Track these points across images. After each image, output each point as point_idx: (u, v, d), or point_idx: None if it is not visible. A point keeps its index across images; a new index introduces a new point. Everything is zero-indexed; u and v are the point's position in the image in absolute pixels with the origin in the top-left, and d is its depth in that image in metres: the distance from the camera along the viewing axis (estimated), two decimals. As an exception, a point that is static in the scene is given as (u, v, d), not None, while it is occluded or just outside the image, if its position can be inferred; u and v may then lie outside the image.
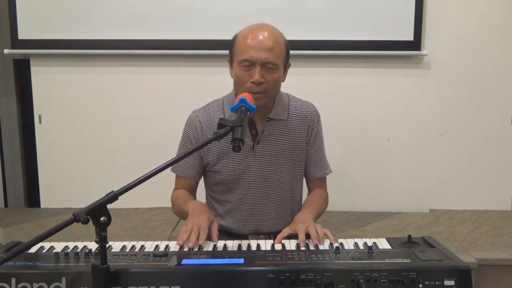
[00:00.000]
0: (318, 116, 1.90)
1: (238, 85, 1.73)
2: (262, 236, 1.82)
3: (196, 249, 1.49)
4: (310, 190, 1.96)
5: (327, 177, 1.97)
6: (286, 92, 1.89)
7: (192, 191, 1.93)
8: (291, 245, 1.52)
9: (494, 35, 3.11)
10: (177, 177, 1.92)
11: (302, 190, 1.96)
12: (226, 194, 1.87)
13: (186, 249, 1.49)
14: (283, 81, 1.78)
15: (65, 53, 3.15)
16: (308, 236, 1.54)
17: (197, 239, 1.52)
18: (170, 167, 1.84)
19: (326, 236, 1.55)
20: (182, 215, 1.82)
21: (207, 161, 1.84)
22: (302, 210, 1.84)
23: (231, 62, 1.77)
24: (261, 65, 1.66)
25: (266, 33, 1.69)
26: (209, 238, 1.58)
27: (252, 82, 1.67)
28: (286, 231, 1.64)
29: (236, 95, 1.79)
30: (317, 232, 1.54)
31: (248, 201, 1.85)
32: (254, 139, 1.80)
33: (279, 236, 1.61)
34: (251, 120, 1.79)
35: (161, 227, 2.94)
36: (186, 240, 1.53)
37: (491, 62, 3.14)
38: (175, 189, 1.93)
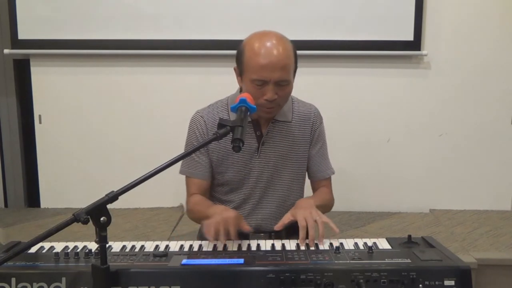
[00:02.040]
0: (321, 118, 1.92)
1: None
2: (262, 234, 1.82)
3: (196, 249, 1.49)
4: (314, 191, 1.96)
5: None
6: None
7: (207, 194, 1.91)
8: (291, 245, 1.52)
9: (494, 35, 3.12)
10: (191, 181, 1.87)
11: (303, 191, 1.97)
12: (230, 194, 1.87)
13: (186, 249, 1.48)
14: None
15: (65, 53, 3.15)
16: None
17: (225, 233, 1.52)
18: (181, 171, 1.86)
19: (327, 224, 1.54)
20: (203, 221, 1.81)
21: (212, 162, 1.84)
22: (305, 197, 1.84)
23: (239, 73, 1.75)
24: (274, 83, 1.66)
25: (277, 50, 1.65)
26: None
27: (266, 100, 1.67)
28: (287, 217, 1.65)
29: None
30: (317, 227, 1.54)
31: (251, 201, 1.86)
32: (259, 141, 1.81)
33: (280, 223, 1.63)
34: (256, 122, 1.80)
35: (161, 227, 2.94)
36: (214, 233, 1.50)
37: (491, 62, 3.14)
38: (191, 194, 1.88)
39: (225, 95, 1.90)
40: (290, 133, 1.84)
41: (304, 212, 1.59)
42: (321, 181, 1.95)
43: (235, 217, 1.60)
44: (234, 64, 1.79)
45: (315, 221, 1.56)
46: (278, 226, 1.61)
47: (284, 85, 1.68)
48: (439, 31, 3.11)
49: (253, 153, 1.81)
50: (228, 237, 1.52)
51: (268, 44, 1.66)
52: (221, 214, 1.61)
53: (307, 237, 1.53)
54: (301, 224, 1.55)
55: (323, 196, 1.90)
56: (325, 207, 1.88)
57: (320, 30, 3.07)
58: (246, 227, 1.63)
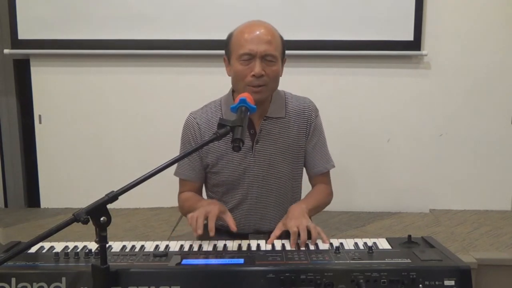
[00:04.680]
0: (316, 110, 1.88)
1: (238, 81, 1.72)
2: (262, 235, 1.81)
3: (196, 249, 1.48)
4: (312, 187, 1.93)
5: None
6: (283, 90, 1.88)
7: (199, 193, 1.93)
8: (290, 247, 1.51)
9: (494, 35, 3.12)
10: (181, 181, 1.90)
11: (301, 187, 1.95)
12: (226, 195, 1.86)
13: (186, 249, 1.49)
14: (280, 75, 1.78)
15: (65, 53, 3.15)
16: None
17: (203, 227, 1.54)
18: (175, 172, 1.86)
19: (319, 235, 1.54)
20: None
21: (206, 163, 1.83)
22: (298, 202, 1.82)
23: (228, 60, 1.77)
24: (260, 58, 1.68)
25: (262, 27, 1.72)
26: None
27: (253, 76, 1.67)
28: (279, 228, 1.63)
29: (235, 92, 1.79)
30: (309, 233, 1.53)
31: (248, 201, 1.85)
32: (253, 139, 1.80)
33: (272, 235, 1.60)
34: (249, 120, 1.78)
35: (161, 227, 2.94)
36: (196, 226, 1.54)
37: (491, 62, 3.14)
38: (181, 192, 1.91)
39: (222, 94, 1.90)
40: (284, 129, 1.82)
41: (295, 221, 1.58)
42: (318, 177, 1.90)
43: (217, 211, 1.62)
44: None
45: (307, 226, 1.55)
46: (270, 241, 1.57)
47: (270, 61, 1.69)
48: (439, 31, 3.11)
49: (247, 152, 1.79)
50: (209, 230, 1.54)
51: (254, 24, 1.74)
52: (205, 206, 1.63)
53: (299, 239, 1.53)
54: (292, 230, 1.54)
55: (317, 196, 1.86)
56: (320, 207, 1.85)
57: (320, 30, 3.07)
58: (232, 224, 1.62)
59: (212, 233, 1.53)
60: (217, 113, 1.83)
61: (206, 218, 1.59)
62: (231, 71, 1.75)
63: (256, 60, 1.67)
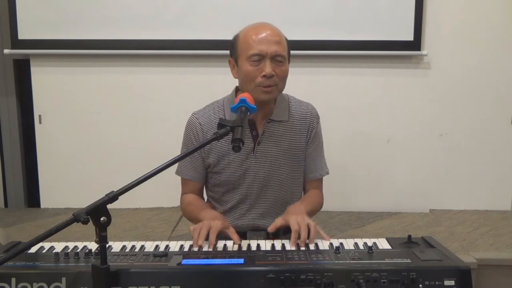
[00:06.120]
0: (318, 117, 1.91)
1: (247, 82, 1.72)
2: (262, 232, 1.82)
3: (196, 249, 1.49)
4: (305, 191, 1.96)
5: (326, 177, 1.97)
6: (286, 93, 1.89)
7: (200, 194, 1.93)
8: (291, 245, 1.52)
9: (494, 35, 3.12)
10: (184, 181, 1.91)
11: (301, 190, 1.97)
12: (226, 195, 1.87)
13: (186, 249, 1.49)
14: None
15: (65, 53, 3.15)
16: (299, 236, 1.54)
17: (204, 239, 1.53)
18: (176, 171, 1.87)
19: (318, 234, 1.54)
20: (196, 222, 1.82)
21: (208, 163, 1.84)
22: (296, 203, 1.84)
23: (235, 62, 1.77)
24: (270, 58, 1.69)
25: (269, 29, 1.73)
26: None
27: (264, 76, 1.68)
28: (279, 221, 1.65)
29: (241, 92, 1.79)
30: (308, 232, 1.53)
31: (248, 201, 1.85)
32: (255, 140, 1.80)
33: (272, 225, 1.63)
34: (252, 121, 1.79)
35: (161, 227, 2.94)
36: (197, 239, 1.54)
37: (491, 62, 3.14)
38: (184, 193, 1.92)
39: (225, 94, 1.90)
40: (287, 132, 1.83)
41: (296, 217, 1.60)
42: (313, 182, 1.94)
43: (220, 226, 1.62)
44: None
45: (308, 224, 1.56)
46: (271, 228, 1.62)
47: (280, 61, 1.70)
48: (439, 31, 3.11)
49: (249, 153, 1.80)
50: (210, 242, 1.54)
51: (261, 25, 1.75)
52: (209, 221, 1.63)
53: (299, 239, 1.53)
54: (294, 227, 1.55)
55: (312, 200, 1.89)
56: (314, 211, 1.88)
57: (320, 30, 3.07)
58: (235, 239, 1.60)
59: (212, 247, 1.52)
60: (220, 113, 1.83)
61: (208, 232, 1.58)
62: (239, 72, 1.75)
63: (266, 61, 1.68)
